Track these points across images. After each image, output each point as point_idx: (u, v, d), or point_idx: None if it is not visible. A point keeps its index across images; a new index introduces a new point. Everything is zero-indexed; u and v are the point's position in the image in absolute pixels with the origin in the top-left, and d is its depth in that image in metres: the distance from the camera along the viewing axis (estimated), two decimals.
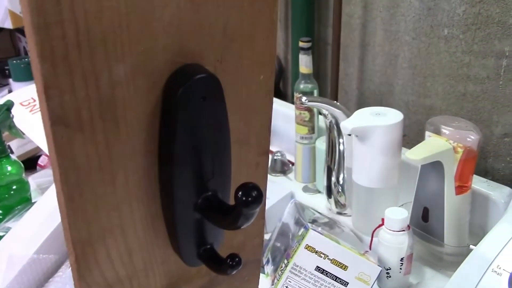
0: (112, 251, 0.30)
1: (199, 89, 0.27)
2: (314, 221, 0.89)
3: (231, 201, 0.32)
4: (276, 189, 1.07)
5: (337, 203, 0.99)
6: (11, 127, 0.95)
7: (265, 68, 0.30)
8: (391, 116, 0.85)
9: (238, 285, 0.40)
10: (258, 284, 0.41)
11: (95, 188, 0.28)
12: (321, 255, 0.73)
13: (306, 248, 0.73)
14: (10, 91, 1.56)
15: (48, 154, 0.95)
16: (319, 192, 1.07)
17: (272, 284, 0.76)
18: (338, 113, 0.90)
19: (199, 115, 0.28)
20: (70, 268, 0.76)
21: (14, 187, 0.93)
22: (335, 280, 0.74)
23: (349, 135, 0.87)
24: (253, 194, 0.26)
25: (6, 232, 0.87)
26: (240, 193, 0.26)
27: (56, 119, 0.25)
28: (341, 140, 0.93)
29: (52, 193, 0.85)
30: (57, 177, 0.26)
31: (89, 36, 0.24)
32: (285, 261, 0.76)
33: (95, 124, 0.26)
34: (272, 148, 1.22)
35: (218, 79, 0.28)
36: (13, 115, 0.94)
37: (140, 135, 0.28)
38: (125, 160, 0.28)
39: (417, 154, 0.75)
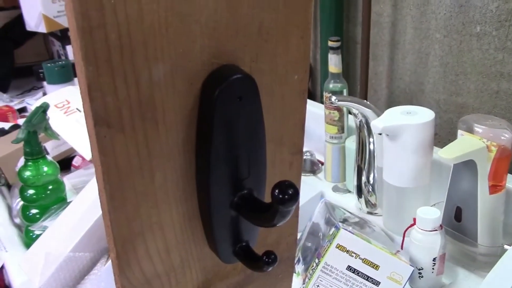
0: (151, 247, 0.31)
1: (236, 90, 0.28)
2: (344, 221, 0.89)
3: (266, 200, 0.33)
4: (306, 188, 1.07)
5: (367, 202, 0.99)
6: (47, 128, 0.97)
7: (299, 68, 0.31)
8: (423, 115, 0.85)
9: (272, 282, 0.40)
10: (292, 281, 0.42)
11: (136, 186, 0.28)
12: (353, 254, 0.73)
13: (337, 247, 0.73)
14: (44, 94, 1.60)
15: (81, 154, 0.98)
16: (349, 191, 1.06)
17: (304, 283, 0.76)
18: (368, 112, 0.90)
19: (236, 115, 0.28)
20: (110, 263, 0.78)
21: (50, 187, 0.96)
22: (366, 280, 0.73)
23: (380, 134, 0.86)
24: (290, 192, 0.26)
25: (43, 230, 0.90)
26: (276, 191, 0.26)
27: (99, 120, 0.25)
28: (371, 140, 0.92)
29: (86, 193, 0.87)
30: (99, 175, 0.27)
31: (130, 39, 0.24)
32: (316, 260, 0.76)
33: (136, 124, 0.27)
34: None
35: (253, 79, 0.28)
36: (48, 117, 0.97)
37: (178, 135, 0.28)
38: (164, 159, 0.29)
39: (450, 153, 0.74)
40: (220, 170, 0.29)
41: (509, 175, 0.82)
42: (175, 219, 0.31)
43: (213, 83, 0.27)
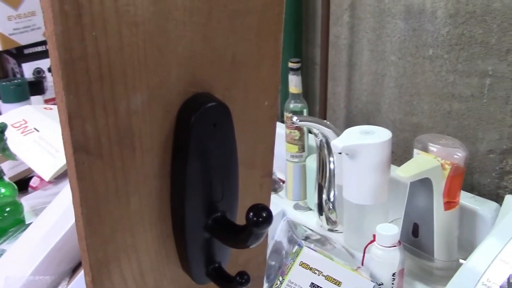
0: (125, 271, 0.32)
1: (210, 117, 0.29)
2: (306, 238, 0.90)
3: (238, 221, 0.34)
4: None
5: (328, 220, 1.01)
6: (5, 149, 0.95)
7: (270, 95, 0.32)
8: (380, 135, 0.88)
9: None
10: None
11: (112, 210, 0.29)
12: (316, 271, 0.75)
13: (301, 265, 0.75)
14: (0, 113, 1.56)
15: (39, 175, 0.96)
16: (310, 209, 1.08)
17: None
18: (328, 132, 0.93)
19: (210, 141, 0.29)
20: (72, 285, 0.76)
21: (8, 209, 0.94)
22: None
23: (340, 153, 0.89)
24: (264, 215, 0.27)
25: (1, 254, 0.87)
26: (251, 213, 0.27)
27: (78, 147, 0.26)
28: (331, 159, 0.95)
29: (46, 215, 0.85)
30: (77, 201, 0.28)
31: (110, 69, 0.25)
32: (280, 278, 0.77)
33: (113, 151, 0.27)
34: None
35: (227, 107, 0.29)
36: (6, 138, 0.95)
37: (154, 160, 0.29)
38: (140, 184, 0.29)
39: (407, 172, 0.77)
40: (194, 194, 0.30)
41: (462, 191, 0.86)
42: (150, 241, 0.32)
43: (189, 110, 0.28)
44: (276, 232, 0.93)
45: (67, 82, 0.24)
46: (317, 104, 1.24)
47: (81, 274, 0.79)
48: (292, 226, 0.90)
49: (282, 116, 1.14)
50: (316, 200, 1.01)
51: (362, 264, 0.86)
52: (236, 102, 0.31)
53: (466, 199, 0.88)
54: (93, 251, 0.30)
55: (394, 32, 1.04)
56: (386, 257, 0.79)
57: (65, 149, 0.27)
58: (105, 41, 0.24)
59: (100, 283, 0.31)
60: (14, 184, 0.96)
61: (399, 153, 1.10)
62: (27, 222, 0.96)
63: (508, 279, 0.63)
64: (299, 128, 1.06)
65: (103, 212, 0.29)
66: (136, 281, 0.33)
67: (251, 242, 0.29)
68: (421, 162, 0.79)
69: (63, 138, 0.26)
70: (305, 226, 0.95)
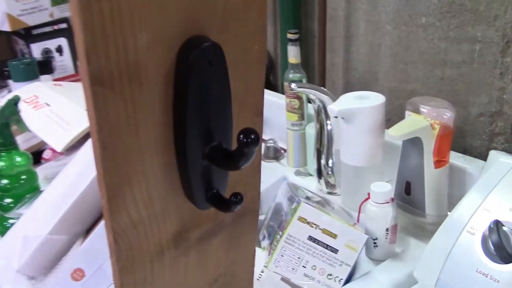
0: (136, 195, 0.37)
1: (206, 55, 0.34)
2: (307, 199, 0.95)
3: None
4: (270, 173, 1.14)
5: (327, 183, 1.06)
6: (19, 121, 1.01)
7: (258, 40, 0.37)
8: (374, 99, 0.92)
9: (239, 232, 0.46)
10: (256, 234, 0.48)
11: (123, 138, 0.34)
12: (313, 225, 0.80)
13: (299, 219, 0.80)
14: (9, 92, 1.61)
15: (52, 147, 1.01)
16: (310, 175, 1.13)
17: (269, 254, 0.83)
18: (325, 98, 0.97)
19: (206, 77, 0.34)
20: (86, 243, 0.82)
21: (24, 176, 0.99)
22: (326, 248, 0.80)
23: (336, 117, 0.94)
24: (252, 136, 0.32)
25: (18, 218, 0.93)
26: (241, 136, 0.32)
27: (94, 80, 0.31)
28: (328, 122, 1.00)
29: (61, 179, 0.91)
30: (93, 128, 0.33)
31: (120, 11, 0.30)
32: (280, 233, 0.82)
33: (124, 84, 0.32)
34: (265, 136, 1.28)
35: (221, 47, 0.34)
36: (20, 109, 1.00)
37: (159, 93, 0.34)
38: (147, 114, 0.34)
39: (397, 131, 0.82)
40: (194, 125, 0.35)
41: (452, 152, 0.91)
42: (157, 169, 0.37)
43: (187, 49, 0.33)
44: (277, 195, 0.98)
45: (84, 22, 0.29)
46: (316, 76, 1.28)
47: (93, 234, 0.85)
48: (293, 188, 0.95)
49: (283, 88, 1.19)
50: (315, 166, 1.06)
51: (358, 221, 0.91)
52: (228, 45, 0.35)
53: (456, 158, 0.93)
54: (108, 174, 0.35)
55: (388, 2, 1.08)
56: (380, 213, 0.84)
57: (82, 83, 0.31)
58: None
59: (115, 204, 0.36)
60: (28, 153, 1.01)
61: (396, 120, 1.14)
62: (41, 189, 1.01)
63: (490, 225, 0.68)
64: (298, 97, 1.10)
65: (116, 140, 0.34)
66: (145, 205, 0.38)
67: (242, 162, 0.33)
68: (412, 122, 0.84)
69: (80, 73, 0.31)
70: (305, 189, 1.00)
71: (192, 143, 0.36)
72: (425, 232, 0.90)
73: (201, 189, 0.38)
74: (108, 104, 0.32)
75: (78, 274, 0.83)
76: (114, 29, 0.30)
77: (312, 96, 0.98)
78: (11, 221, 0.97)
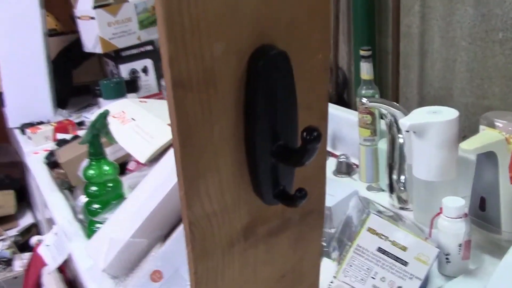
0: (210, 188, 0.41)
1: (274, 62, 0.37)
2: (378, 213, 0.96)
3: None
4: (342, 188, 1.15)
5: (399, 199, 1.06)
6: (108, 133, 1.09)
7: (322, 49, 0.40)
8: (447, 114, 0.92)
9: (305, 230, 0.49)
10: (322, 232, 0.50)
11: (200, 136, 0.38)
12: (382, 237, 0.81)
13: (368, 230, 0.81)
14: (99, 109, 1.74)
15: (136, 159, 1.09)
16: (383, 190, 1.14)
17: (339, 264, 0.84)
18: (397, 112, 0.98)
19: (274, 83, 0.38)
20: (165, 246, 0.87)
21: (110, 184, 1.07)
22: (395, 260, 0.81)
23: (407, 131, 0.94)
24: (315, 134, 0.35)
25: (104, 222, 1.01)
26: (305, 133, 0.35)
27: (176, 84, 0.36)
28: (400, 136, 1.00)
29: (143, 186, 0.98)
30: (174, 127, 0.37)
31: (198, 24, 0.35)
32: (349, 243, 0.84)
33: (201, 88, 0.37)
34: (337, 151, 1.30)
35: (287, 55, 0.38)
36: (109, 122, 1.09)
37: (231, 97, 0.38)
38: (221, 116, 0.39)
39: (469, 145, 0.81)
40: (262, 125, 0.39)
41: None
42: (229, 165, 0.41)
43: (257, 57, 0.37)
44: (349, 208, 1.00)
45: (168, 34, 0.34)
46: (390, 93, 1.29)
47: (172, 239, 0.91)
48: (364, 202, 0.96)
49: (355, 103, 1.21)
50: (387, 180, 1.07)
51: (430, 236, 0.90)
52: (294, 53, 0.39)
53: None
54: (186, 168, 0.39)
55: (464, 18, 1.08)
56: (452, 227, 0.84)
57: (166, 85, 0.36)
58: (195, 2, 0.34)
59: (191, 196, 0.40)
60: (115, 163, 1.10)
61: (471, 136, 1.12)
62: (126, 197, 1.09)
63: None
64: (370, 113, 1.12)
65: (193, 137, 0.38)
66: (217, 198, 0.42)
67: (306, 158, 0.37)
68: (485, 137, 0.83)
69: (165, 77, 0.36)
70: (377, 203, 1.01)
71: (261, 142, 0.40)
72: (500, 249, 0.87)
73: (268, 186, 0.42)
74: (187, 105, 0.37)
75: (156, 276, 0.88)
76: (193, 40, 0.35)
77: (383, 111, 0.99)
78: (97, 225, 1.05)
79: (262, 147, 0.40)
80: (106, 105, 1.57)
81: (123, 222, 0.95)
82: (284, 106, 0.39)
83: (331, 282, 0.85)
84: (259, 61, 0.37)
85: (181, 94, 0.36)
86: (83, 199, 1.12)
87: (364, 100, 0.99)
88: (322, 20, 0.40)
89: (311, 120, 0.43)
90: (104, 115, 1.07)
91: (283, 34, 0.38)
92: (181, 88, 0.36)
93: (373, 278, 0.81)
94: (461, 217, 0.84)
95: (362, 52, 1.09)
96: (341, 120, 1.31)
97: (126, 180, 1.22)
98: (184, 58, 0.35)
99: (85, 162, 1.09)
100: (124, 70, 1.82)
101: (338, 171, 1.23)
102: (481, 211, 0.89)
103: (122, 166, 1.32)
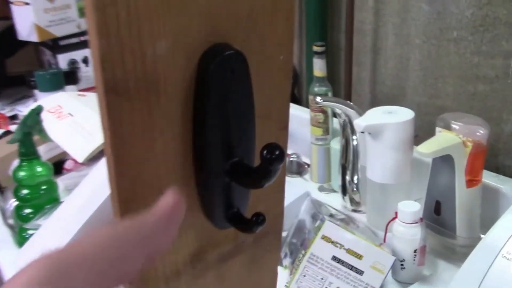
0: None
1: (228, 64, 0.31)
2: (330, 216, 0.92)
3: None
4: (293, 189, 1.11)
5: (352, 200, 1.03)
6: (41, 130, 1.00)
7: (285, 50, 0.35)
8: (403, 114, 0.89)
9: (260, 253, 0.43)
10: (279, 255, 0.45)
11: (139, 152, 0.32)
12: (337, 245, 0.77)
13: (323, 238, 0.77)
14: (35, 102, 1.62)
15: (74, 157, 1.00)
16: (335, 191, 1.10)
17: (291, 274, 0.79)
18: (351, 112, 0.94)
19: (228, 87, 0.32)
20: None
21: (44, 187, 0.98)
22: (350, 269, 0.77)
23: (362, 132, 0.90)
24: (277, 152, 0.30)
25: (37, 229, 0.92)
26: (265, 152, 0.30)
27: (109, 88, 0.29)
28: (354, 137, 0.96)
29: (80, 190, 0.89)
30: (107, 139, 0.31)
31: (138, 16, 0.28)
32: (303, 252, 0.79)
33: (140, 94, 0.30)
34: (288, 150, 1.26)
35: (244, 56, 0.32)
36: (42, 119, 0.99)
37: (177, 105, 0.32)
38: (164, 128, 0.32)
39: (427, 148, 0.78)
40: (214, 138, 0.33)
41: (485, 171, 0.87)
42: (173, 185, 0.34)
43: (209, 57, 0.31)
44: (300, 211, 0.95)
45: (99, 27, 0.27)
46: (342, 90, 1.25)
47: None
48: (316, 205, 0.92)
49: (307, 101, 1.16)
50: (339, 182, 1.03)
51: (384, 241, 0.87)
52: (253, 54, 0.33)
53: (489, 178, 0.88)
54: (121, 189, 0.32)
55: (418, 15, 1.05)
56: (408, 233, 0.81)
57: (97, 91, 0.29)
58: None
59: None
60: (50, 164, 1.01)
61: (424, 136, 1.10)
62: (61, 200, 1.00)
63: None
64: (323, 111, 1.08)
65: (130, 153, 0.32)
66: None
67: (265, 180, 0.31)
68: (443, 139, 0.80)
69: (95, 81, 0.29)
70: (329, 206, 0.97)
71: (212, 159, 0.34)
72: (455, 255, 0.86)
73: (220, 208, 0.36)
74: (123, 115, 0.30)
75: None
76: (131, 36, 0.28)
77: (338, 111, 0.95)
78: (30, 231, 0.95)
79: (213, 165, 0.34)
80: (42, 98, 1.46)
81: (58, 230, 0.86)
82: (239, 115, 0.33)
83: None
84: (211, 62, 0.31)
85: (115, 102, 0.29)
86: (14, 202, 1.02)
87: (318, 99, 0.94)
88: (285, 14, 0.34)
89: (270, 131, 0.37)
90: (37, 111, 0.98)
91: (240, 31, 0.32)
92: (116, 95, 0.29)
93: None
94: (417, 222, 0.81)
95: (315, 48, 1.05)
96: (292, 118, 1.24)
97: (62, 180, 1.13)
98: (119, 58, 0.29)
99: (15, 163, 0.99)
100: (63, 60, 1.70)
101: (289, 171, 1.18)
102: (436, 215, 0.87)
103: (58, 165, 1.22)
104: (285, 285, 0.80)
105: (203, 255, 0.39)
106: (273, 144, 0.30)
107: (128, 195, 0.33)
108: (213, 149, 0.33)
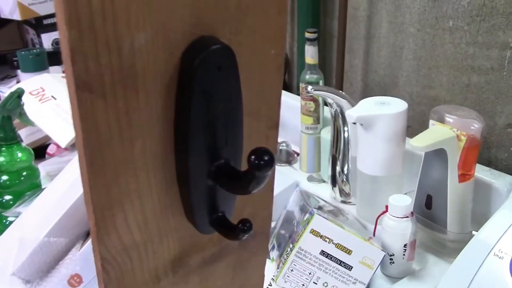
0: (129, 216, 0.32)
1: (215, 59, 0.29)
2: (319, 209, 0.90)
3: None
4: (281, 178, 1.09)
5: (341, 192, 1.01)
6: (22, 114, 0.96)
7: (276, 44, 0.32)
8: (396, 105, 0.87)
9: (247, 256, 0.41)
10: (266, 257, 0.43)
11: (115, 153, 0.29)
12: (326, 239, 0.75)
13: (311, 232, 0.75)
14: (18, 82, 1.58)
15: (56, 142, 0.97)
16: (324, 181, 1.08)
17: (278, 268, 0.77)
18: (343, 102, 0.92)
19: (214, 85, 0.29)
20: (85, 248, 0.77)
21: (24, 173, 0.95)
22: (339, 264, 0.75)
23: (354, 123, 0.88)
24: (266, 158, 0.27)
25: (17, 216, 0.89)
26: (253, 157, 0.27)
27: (81, 84, 0.26)
28: (346, 128, 0.94)
29: (61, 178, 0.86)
30: (79, 141, 0.28)
31: (113, 4, 0.25)
32: (291, 246, 0.77)
33: (117, 91, 0.27)
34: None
35: (232, 50, 0.29)
36: (23, 103, 0.96)
37: (158, 103, 0.29)
38: (144, 127, 0.29)
39: (421, 141, 0.76)
40: (198, 139, 0.30)
41: (478, 165, 0.85)
42: (153, 188, 0.32)
43: (193, 52, 0.28)
44: (289, 202, 0.93)
45: (69, 16, 0.24)
46: (333, 77, 1.23)
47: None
48: (305, 196, 0.90)
49: (298, 88, 1.14)
50: (329, 172, 1.01)
51: (374, 235, 0.85)
52: (242, 48, 0.30)
53: (482, 172, 0.87)
54: (96, 193, 0.30)
55: (413, 3, 1.02)
56: (398, 227, 0.79)
57: (68, 87, 0.27)
58: None
59: (104, 227, 0.31)
60: (30, 149, 0.97)
61: (416, 127, 1.08)
62: (43, 187, 0.97)
63: None
64: (314, 100, 1.05)
65: (106, 155, 0.29)
66: (139, 227, 0.33)
67: (253, 186, 0.28)
68: (436, 133, 0.78)
69: (66, 76, 0.26)
70: (318, 197, 0.95)
71: (196, 160, 0.31)
72: (445, 250, 0.84)
73: (204, 212, 0.33)
74: (97, 114, 0.27)
75: (75, 280, 0.78)
76: (106, 26, 0.25)
77: (329, 100, 0.93)
78: (10, 219, 0.92)
79: (197, 167, 0.31)
80: (25, 79, 1.41)
81: (38, 218, 0.83)
82: (225, 114, 0.31)
83: (269, 285, 0.79)
84: (195, 57, 0.28)
85: (88, 99, 0.27)
86: None
87: (310, 88, 0.92)
88: (277, 5, 0.31)
89: (259, 130, 0.34)
90: (18, 94, 0.94)
91: (228, 23, 0.30)
92: (88, 92, 0.26)
93: (315, 283, 0.76)
94: (407, 217, 0.79)
95: (307, 35, 1.01)
96: (282, 105, 1.23)
97: (44, 166, 1.09)
98: (92, 51, 0.26)
99: None
100: (47, 40, 1.65)
101: (278, 160, 1.16)
102: (427, 209, 0.85)
103: (41, 150, 1.19)
104: (272, 279, 0.78)
105: (185, 259, 0.37)
106: (262, 148, 0.27)
107: (104, 200, 0.30)
108: (196, 150, 0.31)
